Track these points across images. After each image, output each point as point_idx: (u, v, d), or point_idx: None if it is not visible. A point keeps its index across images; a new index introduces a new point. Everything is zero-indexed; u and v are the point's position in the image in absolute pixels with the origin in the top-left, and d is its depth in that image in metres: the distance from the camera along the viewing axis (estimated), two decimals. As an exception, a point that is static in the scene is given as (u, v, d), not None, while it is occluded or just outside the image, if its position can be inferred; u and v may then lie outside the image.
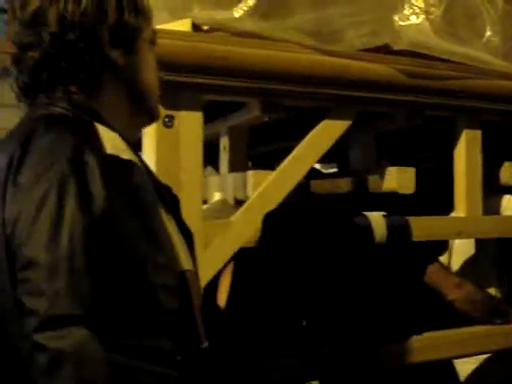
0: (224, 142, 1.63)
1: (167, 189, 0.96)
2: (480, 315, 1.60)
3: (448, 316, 1.62)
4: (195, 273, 0.94)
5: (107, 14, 0.86)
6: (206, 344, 0.90)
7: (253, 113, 1.41)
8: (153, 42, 0.99)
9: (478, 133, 1.60)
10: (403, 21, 1.44)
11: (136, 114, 0.95)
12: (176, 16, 1.38)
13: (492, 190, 1.67)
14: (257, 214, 1.38)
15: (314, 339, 1.39)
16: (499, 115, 1.63)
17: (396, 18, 1.43)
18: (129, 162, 0.81)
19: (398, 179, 1.54)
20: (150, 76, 0.96)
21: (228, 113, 1.65)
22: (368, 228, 1.45)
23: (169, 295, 0.79)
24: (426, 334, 1.53)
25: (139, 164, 0.84)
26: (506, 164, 1.68)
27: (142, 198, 0.81)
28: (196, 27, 1.32)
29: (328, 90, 1.41)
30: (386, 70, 1.43)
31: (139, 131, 1.08)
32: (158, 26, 1.30)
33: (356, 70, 1.41)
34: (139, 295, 0.76)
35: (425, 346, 1.52)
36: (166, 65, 1.25)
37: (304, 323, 1.41)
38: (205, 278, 1.33)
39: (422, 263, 1.55)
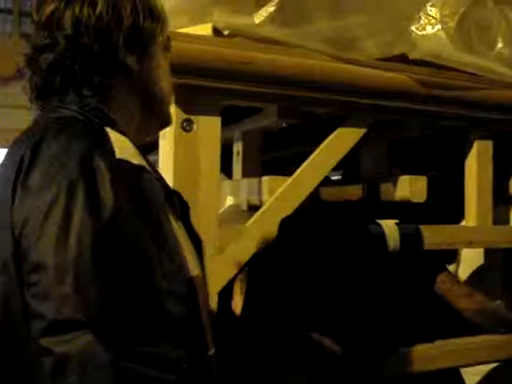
0: (238, 147, 1.64)
1: (177, 194, 0.95)
2: (488, 325, 1.61)
3: (456, 325, 1.63)
4: (203, 279, 0.94)
5: (122, 18, 0.86)
6: (212, 351, 0.89)
7: (270, 118, 1.42)
8: (167, 48, 0.98)
9: (490, 143, 1.61)
10: (419, 31, 1.45)
11: (148, 120, 0.95)
12: (196, 20, 1.39)
13: (501, 200, 1.69)
14: (271, 220, 1.38)
15: (327, 345, 1.39)
16: (510, 126, 1.65)
17: (413, 27, 1.45)
18: (139, 167, 0.81)
19: (411, 188, 1.55)
20: (164, 82, 0.95)
21: (239, 118, 1.66)
22: (382, 236, 1.46)
23: (177, 302, 0.78)
24: (436, 343, 1.53)
25: (149, 169, 0.84)
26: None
27: (151, 204, 0.80)
28: (216, 32, 1.33)
29: (345, 98, 1.42)
30: (402, 79, 1.44)
31: (150, 136, 1.09)
32: (179, 30, 1.32)
33: (373, 79, 1.42)
34: (147, 301, 0.75)
35: (434, 354, 1.52)
36: (187, 68, 1.26)
37: (316, 333, 1.40)
38: (219, 282, 1.34)
39: (432, 272, 1.55)
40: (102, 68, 0.85)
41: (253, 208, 1.52)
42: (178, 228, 0.87)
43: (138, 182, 0.79)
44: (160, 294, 0.77)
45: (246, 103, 1.40)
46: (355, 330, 1.43)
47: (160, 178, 0.89)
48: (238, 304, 1.38)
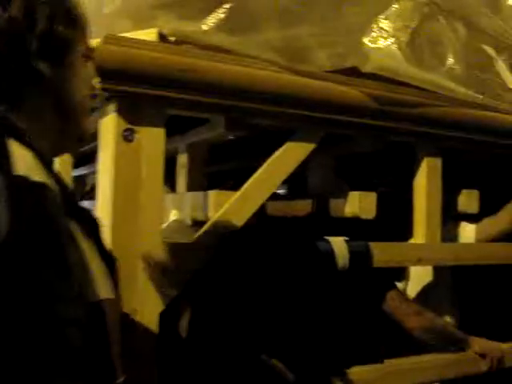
0: (182, 159, 1.56)
1: (87, 212, 0.89)
2: (437, 343, 1.59)
3: (404, 344, 1.61)
4: (116, 302, 0.88)
5: (37, 22, 0.79)
6: (121, 379, 0.83)
7: (217, 130, 1.36)
8: (88, 57, 0.90)
9: (439, 160, 1.60)
10: (372, 43, 1.42)
11: (64, 133, 0.87)
12: (140, 26, 1.31)
13: (450, 216, 1.68)
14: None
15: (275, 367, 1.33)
16: (461, 143, 1.64)
17: (365, 40, 1.42)
18: (40, 184, 0.72)
19: (360, 204, 1.52)
20: (81, 92, 0.88)
21: (184, 129, 1.60)
22: (331, 253, 1.41)
23: (74, 330, 0.70)
24: (386, 362, 1.50)
25: (53, 186, 0.75)
26: (464, 191, 1.69)
27: (51, 225, 0.72)
28: (162, 38, 1.26)
29: (294, 111, 1.37)
30: (353, 93, 1.40)
31: (67, 151, 1.00)
32: (122, 34, 1.25)
33: (323, 92, 1.38)
34: (42, 330, 0.67)
35: (381, 374, 1.49)
36: (129, 75, 1.19)
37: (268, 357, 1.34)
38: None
39: (381, 290, 1.52)
40: (12, 73, 0.78)
41: (198, 223, 1.45)
42: (87, 248, 0.81)
43: (38, 199, 0.71)
44: (55, 322, 0.68)
45: (192, 113, 1.33)
46: (304, 351, 1.38)
47: (69, 195, 0.83)
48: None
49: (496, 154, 1.75)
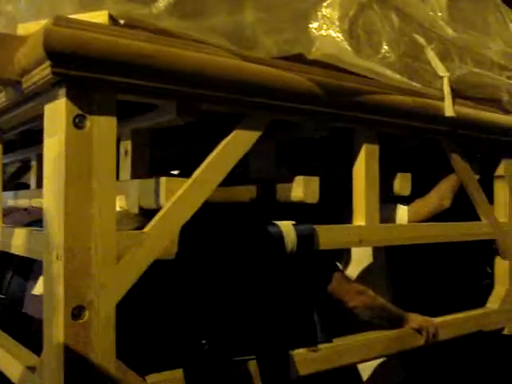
0: (126, 146, 1.52)
1: None
2: (378, 321, 1.66)
3: (347, 323, 1.66)
4: None
5: None
6: None
7: (167, 116, 1.34)
8: None
9: (377, 146, 1.66)
10: (317, 31, 1.45)
11: None
12: (87, 8, 1.26)
13: (386, 199, 1.75)
14: (172, 224, 1.30)
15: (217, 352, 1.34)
16: (396, 129, 1.71)
17: (311, 27, 1.44)
18: None
19: (305, 188, 1.55)
20: None
21: (125, 115, 1.55)
22: (280, 237, 1.44)
23: None
24: (333, 341, 1.55)
25: None
26: (398, 175, 1.77)
27: None
28: (114, 21, 1.21)
29: (243, 97, 1.37)
30: (299, 80, 1.42)
31: None
32: (72, 16, 1.19)
33: (271, 78, 1.39)
34: None
35: (332, 352, 1.54)
36: (79, 59, 1.14)
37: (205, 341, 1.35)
38: (118, 293, 1.24)
39: (325, 272, 1.57)
40: None
41: (146, 211, 1.43)
42: None
43: None
44: None
45: (143, 99, 1.30)
46: (252, 335, 1.40)
47: None
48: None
49: (426, 139, 1.84)
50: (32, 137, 2.15)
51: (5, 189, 2.39)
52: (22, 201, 2.05)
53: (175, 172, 2.55)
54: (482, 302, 2.04)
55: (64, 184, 1.16)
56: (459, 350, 2.02)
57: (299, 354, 1.47)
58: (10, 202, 2.16)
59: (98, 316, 1.20)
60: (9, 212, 2.00)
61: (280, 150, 1.77)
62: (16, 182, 2.65)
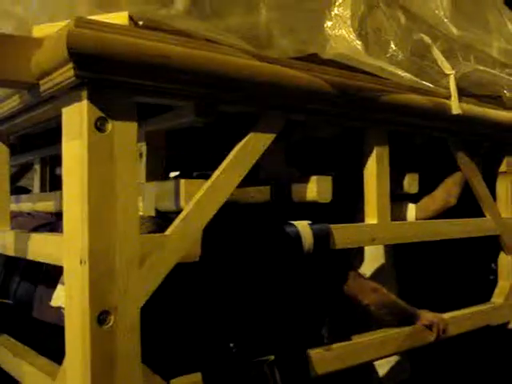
0: (140, 148, 1.51)
1: None
2: (392, 318, 1.67)
3: (360, 322, 1.67)
4: None
5: None
6: None
7: (185, 117, 1.33)
8: None
9: (387, 144, 1.67)
10: (331, 30, 1.45)
11: None
12: (103, 9, 1.25)
13: (396, 197, 1.76)
14: (193, 227, 1.29)
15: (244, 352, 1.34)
16: (407, 127, 1.72)
17: (325, 27, 1.44)
18: None
19: (318, 188, 1.56)
20: None
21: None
22: (297, 237, 1.44)
23: None
24: (346, 340, 1.56)
25: None
26: (407, 173, 1.78)
27: None
28: (133, 21, 1.20)
29: (261, 98, 1.37)
30: (313, 80, 1.42)
31: None
32: (92, 17, 1.18)
33: (287, 78, 1.38)
34: None
35: (347, 351, 1.54)
36: (101, 61, 1.13)
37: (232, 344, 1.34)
38: (142, 296, 1.22)
39: (342, 270, 1.57)
40: None
41: (163, 214, 1.42)
42: None
43: None
44: None
45: (162, 101, 1.29)
46: (276, 334, 1.40)
47: None
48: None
49: (432, 136, 1.86)
50: (32, 141, 2.12)
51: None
52: (25, 205, 2.01)
53: (175, 173, 2.53)
54: (487, 297, 2.07)
55: (87, 188, 1.14)
56: (465, 345, 2.04)
57: (316, 353, 1.48)
58: (12, 207, 2.12)
59: (122, 321, 1.19)
60: (11, 216, 1.96)
61: (288, 149, 1.77)
62: (14, 186, 2.61)
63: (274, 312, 1.40)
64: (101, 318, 1.16)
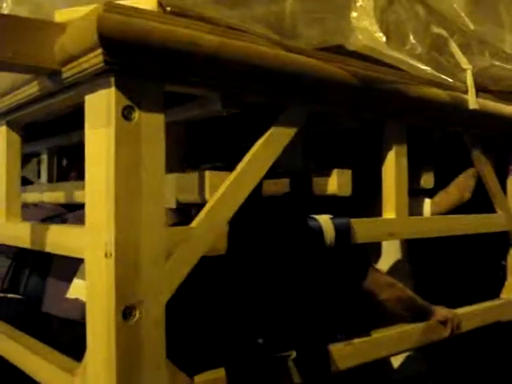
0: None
1: None
2: (407, 314, 1.66)
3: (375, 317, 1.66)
4: None
5: None
6: None
7: (211, 107, 1.29)
8: None
9: (405, 139, 1.65)
10: (356, 22, 1.43)
11: None
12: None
13: (413, 192, 1.74)
14: (218, 219, 1.26)
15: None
16: (426, 122, 1.70)
17: (350, 18, 1.42)
18: None
19: (338, 181, 1.53)
20: None
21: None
22: (320, 231, 1.42)
23: None
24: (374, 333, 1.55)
25: None
26: (423, 168, 1.77)
27: None
28: (162, 7, 1.16)
29: (286, 88, 1.35)
30: (337, 71, 1.40)
31: None
32: (120, 2, 1.14)
33: (312, 69, 1.35)
34: None
35: (367, 346, 1.53)
36: (133, 47, 1.09)
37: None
38: (168, 290, 1.19)
39: (361, 265, 1.55)
40: None
41: (184, 206, 1.39)
42: None
43: None
44: None
45: (189, 90, 1.26)
46: (298, 328, 1.38)
47: None
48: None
49: (448, 131, 1.85)
50: (36, 131, 2.07)
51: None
52: (32, 196, 1.96)
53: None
54: (496, 294, 2.07)
55: (114, 178, 1.11)
56: (476, 341, 2.04)
57: (337, 348, 1.46)
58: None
59: (148, 316, 1.15)
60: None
61: (305, 142, 1.75)
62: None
63: (296, 306, 1.37)
64: (126, 312, 1.13)
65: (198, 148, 2.36)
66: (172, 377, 1.20)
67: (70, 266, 1.53)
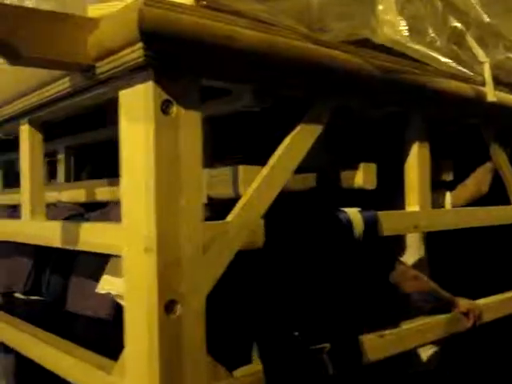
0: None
1: None
2: (431, 306, 1.67)
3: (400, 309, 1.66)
4: None
5: None
6: None
7: (243, 101, 1.29)
8: None
9: (427, 133, 1.67)
10: (382, 15, 1.43)
11: None
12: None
13: (434, 185, 1.75)
14: (252, 214, 1.26)
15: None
16: (447, 115, 1.72)
17: (376, 12, 1.43)
18: None
19: (364, 175, 1.54)
20: None
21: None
22: (349, 224, 1.42)
23: None
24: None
25: None
26: (441, 161, 1.78)
27: None
28: (197, 1, 1.16)
29: (316, 81, 1.35)
30: (364, 65, 1.40)
31: None
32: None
33: (339, 62, 1.36)
34: None
35: (396, 338, 1.54)
36: (173, 41, 1.09)
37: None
38: (207, 284, 1.19)
39: (388, 258, 1.56)
40: None
41: (215, 201, 1.38)
42: None
43: None
44: None
45: (223, 84, 1.26)
46: (331, 321, 1.38)
47: None
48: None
49: (466, 124, 1.86)
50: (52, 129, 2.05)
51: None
52: (49, 195, 1.94)
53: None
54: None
55: (154, 173, 1.10)
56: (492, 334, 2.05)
57: (369, 339, 1.46)
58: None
59: (189, 310, 1.15)
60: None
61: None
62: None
63: (329, 299, 1.37)
64: (168, 307, 1.12)
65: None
66: (212, 371, 1.19)
67: (95, 264, 1.52)
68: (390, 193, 1.73)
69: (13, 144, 2.07)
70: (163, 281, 1.11)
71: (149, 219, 1.11)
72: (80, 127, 2.00)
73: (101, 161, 2.13)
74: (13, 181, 2.64)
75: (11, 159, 2.60)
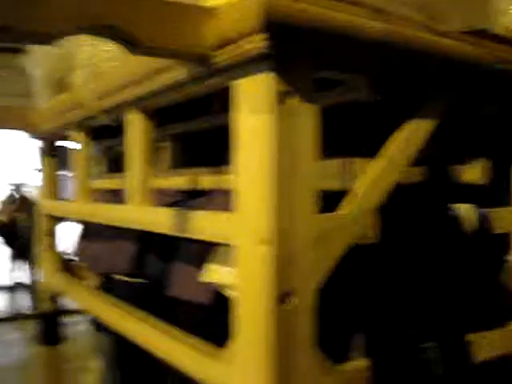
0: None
1: None
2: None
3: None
4: None
5: None
6: None
7: (358, 92, 1.27)
8: None
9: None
10: (499, 6, 1.37)
11: None
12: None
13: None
14: (368, 206, 1.24)
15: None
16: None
17: (493, 3, 1.37)
18: None
19: (481, 171, 1.49)
20: None
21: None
22: (463, 221, 1.38)
23: None
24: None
25: None
26: None
27: None
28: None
29: (436, 72, 1.31)
30: (482, 56, 1.34)
31: None
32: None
33: (458, 53, 1.31)
34: None
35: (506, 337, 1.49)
36: (293, 31, 1.08)
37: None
38: (320, 276, 1.18)
39: (500, 257, 1.50)
40: None
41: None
42: None
43: None
44: None
45: (342, 75, 1.23)
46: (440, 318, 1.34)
47: None
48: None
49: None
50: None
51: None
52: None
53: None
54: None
55: (272, 163, 1.10)
56: None
57: (475, 339, 1.42)
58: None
59: (302, 302, 1.15)
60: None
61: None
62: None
63: (439, 296, 1.34)
64: (282, 299, 1.12)
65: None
66: (321, 364, 1.18)
67: (198, 251, 1.54)
68: (496, 189, 1.66)
69: (111, 130, 2.14)
70: (278, 272, 1.11)
71: (266, 210, 1.11)
72: (182, 115, 2.02)
73: (204, 149, 2.15)
74: (111, 166, 2.72)
75: (109, 145, 2.67)
